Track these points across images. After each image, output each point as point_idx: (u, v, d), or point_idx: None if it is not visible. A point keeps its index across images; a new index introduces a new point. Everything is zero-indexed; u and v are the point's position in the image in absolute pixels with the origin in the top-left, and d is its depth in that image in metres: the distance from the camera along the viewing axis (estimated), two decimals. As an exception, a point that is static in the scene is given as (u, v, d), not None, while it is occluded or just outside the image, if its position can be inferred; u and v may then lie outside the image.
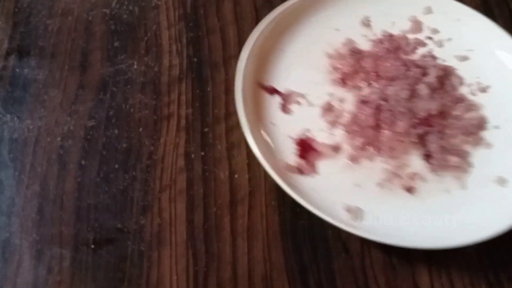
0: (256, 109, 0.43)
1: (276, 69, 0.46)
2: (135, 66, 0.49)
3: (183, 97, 0.47)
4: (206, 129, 0.45)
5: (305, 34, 0.48)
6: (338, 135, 0.43)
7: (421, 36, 0.49)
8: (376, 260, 0.40)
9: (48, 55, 0.50)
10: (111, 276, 0.39)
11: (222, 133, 0.45)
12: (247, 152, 0.44)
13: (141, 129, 0.45)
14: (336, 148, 0.43)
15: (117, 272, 0.39)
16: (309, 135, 0.43)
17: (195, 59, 0.49)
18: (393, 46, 0.48)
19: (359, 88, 0.46)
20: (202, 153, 0.44)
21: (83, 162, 0.44)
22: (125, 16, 0.52)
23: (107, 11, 0.52)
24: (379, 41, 0.48)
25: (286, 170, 0.41)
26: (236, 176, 0.43)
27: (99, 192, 0.42)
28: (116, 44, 0.50)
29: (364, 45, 0.48)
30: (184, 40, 0.50)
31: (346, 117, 0.44)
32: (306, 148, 0.42)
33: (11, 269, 0.39)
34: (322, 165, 0.42)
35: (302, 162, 0.42)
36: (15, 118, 0.46)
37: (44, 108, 0.46)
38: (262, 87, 0.45)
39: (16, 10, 0.52)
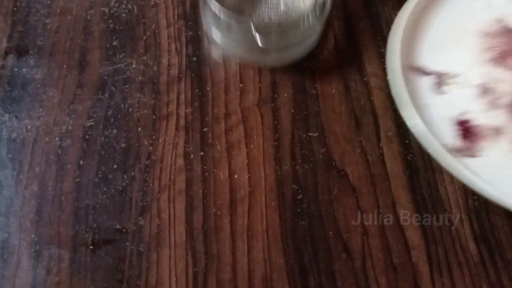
0: (409, 90, 0.42)
1: (426, 50, 0.45)
2: (134, 65, 0.48)
3: (182, 97, 0.47)
4: (205, 129, 0.45)
5: (453, 12, 0.47)
6: (500, 117, 0.42)
7: None
8: (377, 261, 0.39)
9: (46, 54, 0.49)
10: (110, 277, 0.39)
11: (221, 133, 0.45)
12: (247, 152, 0.44)
13: (140, 129, 0.45)
14: (498, 130, 0.41)
15: (116, 273, 0.39)
16: (468, 116, 0.42)
17: (194, 58, 0.49)
18: None
19: None
20: (202, 153, 0.44)
21: (81, 162, 0.43)
22: (123, 15, 0.52)
23: (106, 10, 0.52)
24: None
25: (450, 151, 0.39)
26: (236, 176, 0.43)
27: (97, 192, 0.42)
28: (115, 43, 0.50)
29: None
30: (183, 39, 0.50)
31: (507, 98, 0.43)
32: (466, 129, 0.41)
33: (9, 270, 0.39)
34: (484, 147, 0.41)
35: (465, 142, 0.41)
36: (14, 117, 0.46)
37: (42, 107, 0.46)
38: (415, 69, 0.44)
39: (15, 9, 0.52)
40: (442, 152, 0.39)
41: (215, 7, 0.41)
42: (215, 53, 0.46)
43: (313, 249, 0.40)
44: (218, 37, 0.46)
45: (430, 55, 0.45)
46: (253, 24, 0.41)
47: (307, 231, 0.40)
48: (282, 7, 0.46)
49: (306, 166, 0.43)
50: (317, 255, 0.40)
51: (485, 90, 0.43)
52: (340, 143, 0.44)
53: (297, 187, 0.42)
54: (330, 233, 0.40)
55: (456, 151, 0.40)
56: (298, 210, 0.41)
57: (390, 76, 0.42)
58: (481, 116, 0.42)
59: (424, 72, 0.44)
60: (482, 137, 0.41)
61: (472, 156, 0.40)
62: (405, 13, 0.45)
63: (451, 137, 0.41)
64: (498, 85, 0.43)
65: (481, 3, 0.48)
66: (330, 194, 0.42)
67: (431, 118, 0.42)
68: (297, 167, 0.43)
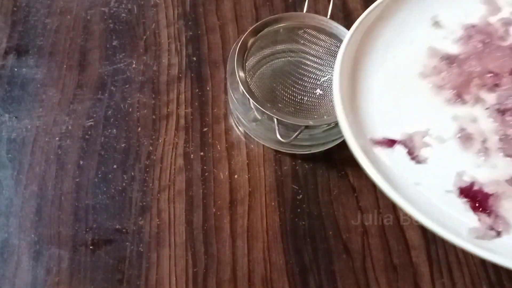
0: (384, 174, 0.33)
1: (375, 117, 0.36)
2: (133, 65, 0.48)
3: (182, 97, 0.47)
4: (205, 129, 0.45)
5: (380, 62, 0.39)
6: (501, 163, 0.34)
7: (504, 15, 0.41)
8: (377, 261, 0.39)
9: (46, 54, 0.49)
10: (110, 277, 0.39)
11: (221, 133, 0.45)
12: (246, 152, 0.44)
13: (139, 129, 0.45)
14: (511, 181, 0.33)
15: (115, 273, 0.39)
16: (468, 179, 0.33)
17: (194, 58, 0.49)
18: (486, 35, 0.40)
19: (481, 98, 0.37)
20: (202, 153, 0.44)
21: (81, 162, 0.43)
22: (123, 14, 0.52)
23: (106, 9, 0.52)
24: (467, 37, 0.40)
25: (475, 237, 0.31)
26: (236, 176, 0.43)
27: (97, 192, 0.42)
28: (115, 43, 0.50)
29: (452, 48, 0.39)
30: (183, 39, 0.50)
31: (493, 137, 0.35)
32: (475, 197, 0.33)
33: (9, 270, 0.39)
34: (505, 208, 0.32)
35: (484, 217, 0.32)
36: (13, 117, 0.46)
37: (42, 107, 0.46)
38: (376, 143, 0.35)
39: (15, 9, 0.52)
40: (466, 244, 0.30)
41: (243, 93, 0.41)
42: (237, 131, 0.45)
43: (313, 249, 0.40)
44: (242, 117, 0.44)
45: (383, 120, 0.36)
46: (277, 120, 0.39)
47: (307, 231, 0.40)
48: (318, 91, 0.44)
49: (306, 166, 0.43)
50: (317, 255, 0.40)
51: (466, 139, 0.35)
52: (340, 143, 0.44)
53: (297, 187, 0.42)
54: (330, 233, 0.40)
55: (478, 236, 0.31)
56: (298, 210, 0.41)
57: (358, 160, 0.33)
58: (480, 173, 0.34)
59: (387, 144, 0.35)
60: (497, 199, 0.32)
61: (499, 234, 0.31)
62: (336, 89, 0.36)
63: (467, 214, 0.32)
64: (475, 126, 0.36)
65: (403, 43, 0.39)
66: (330, 194, 0.42)
67: (427, 199, 0.33)
68: (297, 167, 0.43)
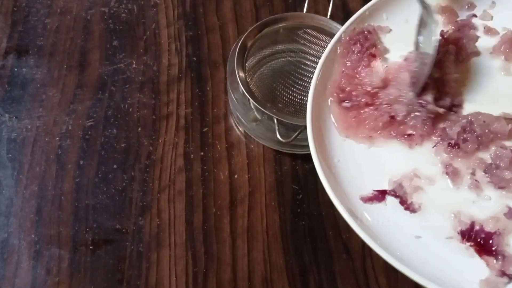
0: (385, 231, 0.32)
1: (357, 175, 0.35)
2: (134, 65, 0.48)
3: (182, 97, 0.47)
4: (205, 129, 0.45)
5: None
6: (494, 195, 0.33)
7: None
8: (377, 262, 0.39)
9: (46, 54, 0.49)
10: (110, 277, 0.39)
11: (221, 133, 0.45)
12: (246, 152, 0.44)
13: (139, 129, 0.45)
14: (509, 214, 0.32)
15: (115, 273, 0.39)
16: (466, 219, 0.32)
17: (194, 58, 0.49)
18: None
19: (444, 131, 0.35)
20: (202, 153, 0.44)
21: (81, 162, 0.43)
22: (123, 15, 0.52)
23: (106, 9, 0.52)
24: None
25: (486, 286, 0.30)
26: (235, 176, 0.43)
27: (97, 192, 0.42)
28: (115, 43, 0.50)
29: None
30: (183, 39, 0.50)
31: (480, 167, 0.34)
32: (478, 238, 0.31)
33: (9, 270, 0.39)
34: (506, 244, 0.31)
35: (492, 261, 0.30)
36: (14, 117, 0.46)
37: (42, 107, 0.46)
38: (367, 201, 0.34)
39: (15, 9, 0.52)
40: None
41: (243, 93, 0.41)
42: (238, 131, 0.45)
43: (313, 249, 0.40)
44: (242, 117, 0.44)
45: (367, 173, 0.35)
46: (277, 120, 0.39)
47: (307, 231, 0.40)
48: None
49: (306, 166, 0.43)
50: (317, 255, 0.40)
51: (454, 175, 0.34)
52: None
53: (297, 187, 0.42)
54: (330, 233, 0.40)
55: (496, 281, 0.30)
56: (298, 210, 0.41)
57: (352, 226, 0.32)
58: (476, 209, 0.32)
59: (377, 199, 0.34)
60: (500, 236, 0.31)
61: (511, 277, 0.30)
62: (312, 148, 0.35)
63: (473, 259, 0.31)
64: (459, 160, 0.34)
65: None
66: (330, 194, 0.42)
67: (431, 252, 0.31)
68: (297, 167, 0.43)
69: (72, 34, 0.50)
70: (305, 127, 0.37)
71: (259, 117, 0.42)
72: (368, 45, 0.39)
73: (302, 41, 0.45)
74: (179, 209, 0.41)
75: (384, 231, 0.32)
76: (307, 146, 0.37)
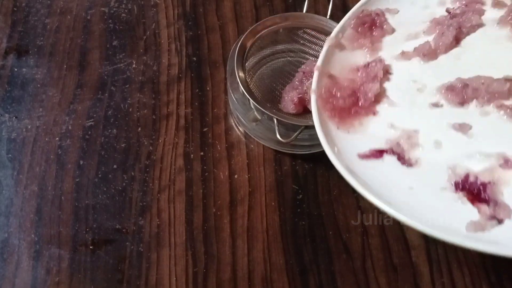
0: (380, 184, 0.33)
1: (356, 133, 0.36)
2: (134, 65, 0.48)
3: (182, 97, 0.47)
4: (205, 129, 0.45)
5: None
6: (489, 151, 0.33)
7: None
8: (377, 261, 0.39)
9: (46, 54, 0.49)
10: (110, 277, 0.39)
11: (221, 133, 0.45)
12: (246, 152, 0.44)
13: (139, 129, 0.45)
14: (505, 164, 0.32)
15: (115, 273, 0.39)
16: (461, 171, 0.32)
17: (195, 58, 0.49)
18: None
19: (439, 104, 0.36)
20: (202, 153, 0.44)
21: (81, 162, 0.43)
22: (123, 15, 0.52)
23: (106, 9, 0.52)
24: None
25: (474, 230, 0.30)
26: (235, 176, 0.43)
27: (97, 192, 0.42)
28: (115, 43, 0.50)
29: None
30: (183, 39, 0.50)
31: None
32: (472, 189, 0.31)
33: (9, 270, 0.39)
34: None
35: (484, 207, 0.31)
36: (14, 117, 0.46)
37: (42, 107, 0.46)
38: (364, 157, 0.34)
39: (15, 9, 0.52)
40: (464, 241, 0.29)
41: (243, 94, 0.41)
42: (238, 131, 0.45)
43: (313, 249, 0.40)
44: (242, 117, 0.44)
45: (365, 134, 0.35)
46: (277, 120, 0.40)
47: (307, 231, 0.40)
48: None
49: (306, 166, 0.43)
50: (317, 255, 0.40)
51: (461, 127, 0.34)
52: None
53: (297, 187, 0.42)
54: (330, 233, 0.40)
55: (478, 228, 0.30)
56: (298, 210, 0.41)
57: (345, 177, 0.33)
58: (472, 163, 0.32)
59: (375, 156, 0.34)
60: (496, 186, 0.31)
61: (500, 222, 0.30)
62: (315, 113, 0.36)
63: (460, 210, 0.31)
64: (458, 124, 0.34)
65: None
66: (330, 194, 0.42)
67: (422, 203, 0.31)
68: (297, 167, 0.43)
69: (72, 34, 0.50)
70: (305, 127, 0.37)
71: (259, 117, 0.42)
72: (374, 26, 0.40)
73: (302, 41, 0.45)
74: (179, 209, 0.41)
75: (379, 184, 0.33)
76: (307, 146, 0.37)
